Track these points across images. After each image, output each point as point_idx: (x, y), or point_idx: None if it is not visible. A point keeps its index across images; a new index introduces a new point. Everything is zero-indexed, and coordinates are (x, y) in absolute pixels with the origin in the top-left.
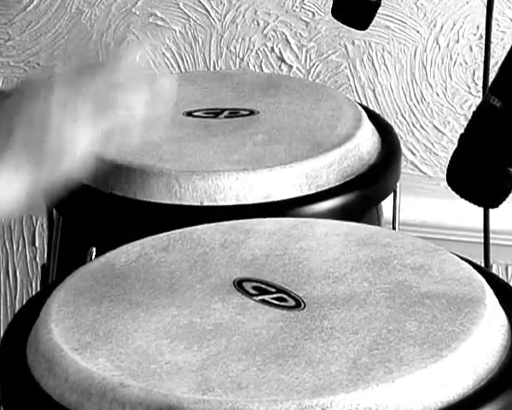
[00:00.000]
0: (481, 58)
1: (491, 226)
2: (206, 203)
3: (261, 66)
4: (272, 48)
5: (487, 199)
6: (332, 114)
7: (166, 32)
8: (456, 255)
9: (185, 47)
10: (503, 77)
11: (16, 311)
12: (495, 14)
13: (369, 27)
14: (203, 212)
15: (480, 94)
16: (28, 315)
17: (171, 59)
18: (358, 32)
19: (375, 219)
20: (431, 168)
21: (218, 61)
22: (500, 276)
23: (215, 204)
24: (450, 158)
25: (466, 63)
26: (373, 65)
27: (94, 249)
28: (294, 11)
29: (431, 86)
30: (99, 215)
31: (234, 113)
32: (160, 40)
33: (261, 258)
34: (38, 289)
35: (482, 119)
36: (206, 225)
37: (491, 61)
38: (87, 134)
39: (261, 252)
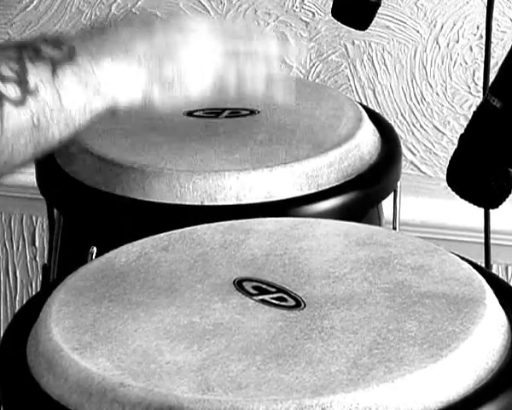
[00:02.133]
0: (481, 58)
1: (492, 226)
2: (206, 203)
3: None
4: None
5: (487, 199)
6: (333, 114)
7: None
8: (456, 255)
9: None
10: (503, 77)
11: (16, 311)
12: (495, 14)
13: (369, 27)
14: (203, 211)
15: (480, 94)
16: (28, 315)
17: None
18: (358, 32)
19: (376, 219)
20: (431, 168)
21: None
22: (500, 276)
23: (215, 204)
24: (450, 158)
25: (466, 63)
26: (373, 65)
27: (95, 249)
28: (294, 11)
29: (431, 86)
30: (99, 215)
31: (234, 112)
32: None
33: (261, 258)
34: (38, 289)
35: (482, 119)
36: (206, 225)
37: (491, 61)
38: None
39: (261, 252)
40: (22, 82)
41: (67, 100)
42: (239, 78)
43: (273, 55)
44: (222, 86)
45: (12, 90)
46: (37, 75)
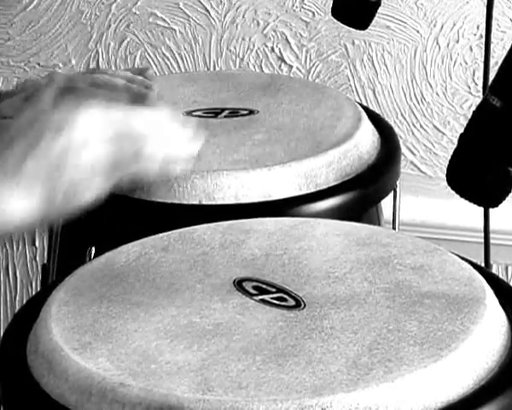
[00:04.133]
0: (481, 58)
1: (491, 226)
2: (204, 202)
3: (261, 66)
4: (272, 48)
5: (487, 199)
6: (332, 114)
7: (166, 32)
8: (456, 255)
9: (185, 47)
10: (502, 77)
11: (16, 311)
12: (495, 14)
13: (369, 27)
14: (202, 211)
15: (480, 94)
16: (28, 315)
17: (171, 59)
18: (358, 32)
19: (375, 219)
20: (431, 168)
21: (218, 61)
22: (500, 276)
23: (214, 203)
24: (450, 158)
25: (466, 63)
26: (373, 65)
27: (93, 249)
28: (294, 11)
29: (431, 86)
30: (98, 215)
31: (233, 112)
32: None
33: (261, 258)
34: (38, 289)
35: (482, 119)
36: (206, 225)
37: (491, 61)
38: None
39: (261, 252)
40: None
41: None
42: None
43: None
44: (116, 182)
45: None
46: None
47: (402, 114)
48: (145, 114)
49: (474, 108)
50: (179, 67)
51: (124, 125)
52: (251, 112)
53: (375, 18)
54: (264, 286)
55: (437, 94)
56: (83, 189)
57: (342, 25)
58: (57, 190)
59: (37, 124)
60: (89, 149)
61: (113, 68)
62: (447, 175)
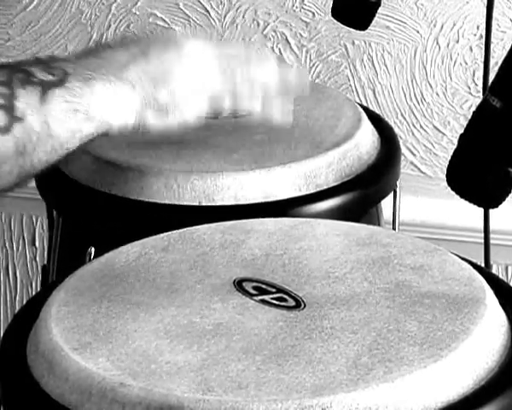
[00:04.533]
0: (481, 58)
1: (491, 226)
2: (204, 203)
3: None
4: (272, 48)
5: (487, 199)
6: (332, 115)
7: (166, 32)
8: (456, 255)
9: None
10: (502, 77)
11: (16, 311)
12: (495, 14)
13: (369, 27)
14: (201, 212)
15: (480, 94)
16: (28, 315)
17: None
18: (358, 32)
19: (375, 219)
20: (431, 168)
21: None
22: (500, 276)
23: (213, 204)
24: (450, 158)
25: (466, 63)
26: (373, 65)
27: (93, 249)
28: (294, 11)
29: (431, 86)
30: (98, 215)
31: (233, 113)
32: None
33: (261, 258)
34: (38, 289)
35: (482, 119)
36: (206, 225)
37: (491, 61)
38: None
39: (261, 252)
40: (9, 108)
41: (56, 126)
42: (235, 102)
43: (271, 80)
44: (217, 109)
45: None
46: (25, 101)
47: (402, 115)
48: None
49: (474, 108)
50: None
51: (231, 53)
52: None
53: (375, 18)
54: (264, 286)
55: (437, 94)
56: (184, 104)
57: (342, 25)
58: (158, 98)
59: (150, 38)
60: (196, 64)
61: None
62: (447, 175)
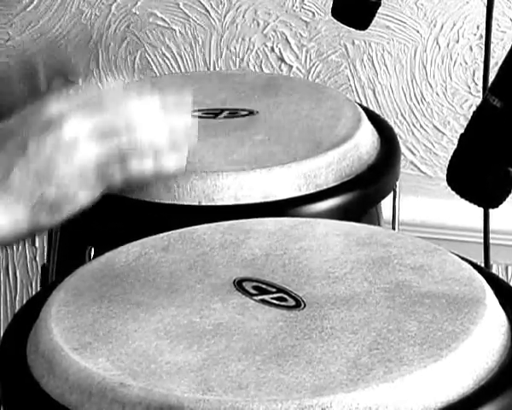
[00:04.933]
0: (481, 58)
1: (491, 226)
2: (204, 203)
3: (261, 66)
4: (272, 48)
5: (487, 199)
6: (332, 115)
7: (166, 32)
8: (456, 255)
9: (185, 47)
10: (502, 77)
11: (16, 311)
12: (495, 14)
13: (369, 27)
14: (201, 212)
15: (480, 94)
16: (28, 315)
17: (171, 59)
18: (358, 32)
19: (375, 219)
20: (431, 168)
21: (218, 61)
22: (500, 276)
23: (213, 204)
24: (450, 158)
25: (466, 63)
26: (373, 65)
27: (92, 249)
28: (294, 11)
29: (431, 86)
30: (98, 215)
31: (233, 113)
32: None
33: (261, 258)
34: (38, 289)
35: (482, 119)
36: (206, 225)
37: (491, 61)
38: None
39: (261, 252)
40: None
41: None
42: (124, 169)
43: (160, 143)
44: (109, 181)
45: None
46: None
47: (402, 114)
48: (134, 104)
49: (474, 108)
50: (179, 67)
51: (112, 120)
52: (250, 112)
53: (375, 18)
54: (264, 286)
55: (437, 94)
56: (75, 193)
57: (342, 25)
58: (47, 196)
59: (25, 126)
60: (78, 147)
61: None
62: (447, 175)
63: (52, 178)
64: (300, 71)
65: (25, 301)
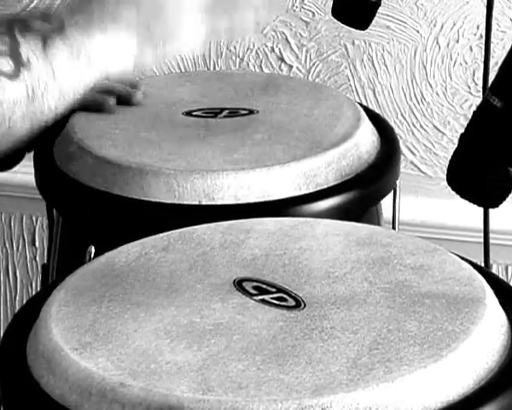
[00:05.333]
0: (481, 58)
1: (491, 226)
2: (204, 202)
3: (261, 66)
4: (272, 48)
5: (487, 199)
6: (331, 114)
7: None
8: (456, 255)
9: None
10: (502, 77)
11: (16, 311)
12: (495, 14)
13: (369, 27)
14: (201, 211)
15: (480, 94)
16: (28, 315)
17: (171, 59)
18: (358, 32)
19: (375, 219)
20: (431, 168)
21: (218, 61)
22: (500, 276)
23: (213, 203)
24: (450, 158)
25: (466, 63)
26: (373, 65)
27: (93, 249)
28: (294, 11)
29: (431, 86)
30: (98, 215)
31: (233, 112)
32: None
33: (261, 258)
34: (38, 289)
35: (482, 119)
36: (206, 225)
37: (491, 61)
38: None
39: (261, 252)
40: (15, 55)
41: (61, 72)
42: (229, 27)
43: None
44: (212, 36)
45: (5, 64)
46: (28, 48)
47: (402, 114)
48: None
49: (474, 108)
50: (179, 67)
51: None
52: (250, 112)
53: (375, 18)
54: (264, 286)
55: (437, 94)
56: (180, 29)
57: (342, 25)
58: (153, 28)
59: None
60: None
61: None
62: (447, 175)
63: (159, 15)
64: (300, 71)
65: (25, 301)
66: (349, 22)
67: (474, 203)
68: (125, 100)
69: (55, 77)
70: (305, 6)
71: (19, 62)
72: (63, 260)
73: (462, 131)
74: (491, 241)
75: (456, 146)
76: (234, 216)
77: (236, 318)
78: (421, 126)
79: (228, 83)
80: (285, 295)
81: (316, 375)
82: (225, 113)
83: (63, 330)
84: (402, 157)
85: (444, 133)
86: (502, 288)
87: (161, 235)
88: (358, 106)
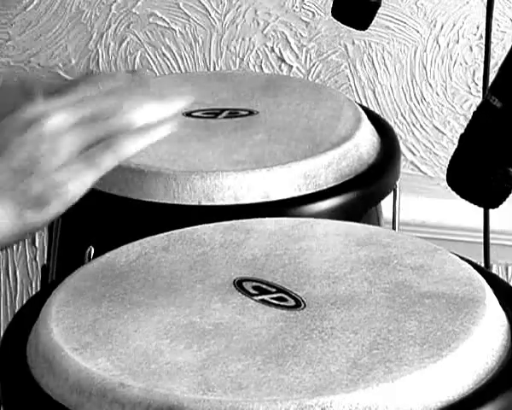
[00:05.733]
0: (481, 58)
1: (491, 226)
2: (204, 203)
3: (261, 66)
4: (272, 48)
5: (487, 199)
6: (332, 114)
7: (166, 32)
8: (456, 255)
9: (185, 47)
10: (503, 77)
11: (16, 311)
12: (495, 14)
13: (369, 27)
14: (201, 212)
15: (480, 94)
16: (28, 315)
17: (171, 59)
18: (358, 32)
19: (375, 219)
20: (431, 168)
21: (218, 61)
22: (500, 276)
23: (213, 204)
24: (450, 158)
25: (466, 63)
26: (373, 65)
27: (92, 249)
28: (294, 11)
29: (431, 86)
30: (98, 215)
31: (233, 113)
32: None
33: (261, 258)
34: (38, 289)
35: (482, 119)
36: (206, 225)
37: (491, 61)
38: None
39: (261, 252)
40: None
41: None
42: (114, 159)
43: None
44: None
45: None
46: None
47: (402, 114)
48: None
49: (474, 108)
50: (179, 67)
51: (97, 104)
52: (250, 112)
53: (375, 18)
54: (264, 286)
55: (437, 94)
56: (63, 184)
57: (342, 25)
58: (32, 190)
59: (5, 128)
60: (62, 138)
61: (113, 69)
62: (447, 175)
63: (37, 173)
64: (300, 71)
65: (25, 301)
66: (349, 22)
67: (474, 203)
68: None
69: None
70: (305, 6)
71: None
72: (63, 261)
73: (462, 131)
74: (491, 241)
75: (456, 146)
76: (233, 216)
77: (236, 318)
78: (421, 126)
79: (228, 83)
80: (285, 296)
81: (316, 375)
82: (225, 113)
83: (63, 331)
84: (402, 157)
85: (444, 133)
86: (502, 288)
87: (161, 235)
88: (358, 107)
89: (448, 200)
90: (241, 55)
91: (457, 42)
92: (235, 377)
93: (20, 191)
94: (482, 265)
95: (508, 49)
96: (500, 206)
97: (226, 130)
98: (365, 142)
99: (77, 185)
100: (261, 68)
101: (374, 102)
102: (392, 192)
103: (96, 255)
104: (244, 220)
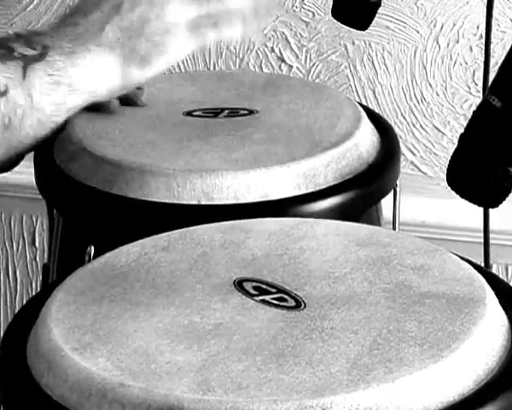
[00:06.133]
0: (481, 58)
1: (491, 226)
2: (203, 202)
3: (261, 66)
4: (272, 48)
5: (487, 199)
6: (331, 114)
7: None
8: (457, 255)
9: None
10: (502, 77)
11: (16, 311)
12: (495, 14)
13: (369, 27)
14: (201, 211)
15: (480, 94)
16: (28, 315)
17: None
18: (358, 32)
19: (375, 219)
20: (431, 168)
21: (218, 61)
22: (500, 276)
23: (213, 203)
24: (450, 158)
25: (466, 63)
26: (373, 65)
27: (92, 248)
28: (294, 11)
29: (431, 86)
30: (97, 215)
31: (233, 112)
32: None
33: (261, 258)
34: (38, 289)
35: (482, 119)
36: (206, 225)
37: (491, 61)
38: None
39: (261, 252)
40: None
41: (40, 100)
42: (215, 31)
43: (247, 10)
44: (201, 42)
45: None
46: (7, 75)
47: (402, 114)
48: None
49: (474, 108)
50: (179, 67)
51: None
52: (250, 112)
53: (375, 18)
54: (264, 286)
55: (437, 94)
56: (165, 45)
57: (342, 25)
58: (138, 49)
59: None
60: (170, 7)
61: None
62: (447, 175)
63: (143, 33)
64: (300, 71)
65: (25, 301)
66: (349, 22)
67: (474, 203)
68: (129, 101)
69: (33, 104)
70: (305, 6)
71: None
72: (63, 260)
73: (462, 131)
74: (491, 241)
75: (456, 146)
76: (233, 216)
77: (236, 318)
78: (421, 126)
79: (228, 83)
80: (285, 296)
81: (316, 375)
82: (225, 113)
83: (63, 331)
84: (402, 157)
85: (444, 133)
86: (502, 288)
87: (161, 235)
88: (358, 106)
89: (448, 200)
90: (241, 56)
91: (457, 42)
92: (235, 378)
93: (128, 50)
94: (482, 265)
95: (508, 49)
96: (500, 205)
97: (226, 129)
98: (365, 141)
99: (178, 48)
100: (261, 68)
101: (374, 102)
102: (392, 192)
103: (96, 255)
104: (244, 220)
